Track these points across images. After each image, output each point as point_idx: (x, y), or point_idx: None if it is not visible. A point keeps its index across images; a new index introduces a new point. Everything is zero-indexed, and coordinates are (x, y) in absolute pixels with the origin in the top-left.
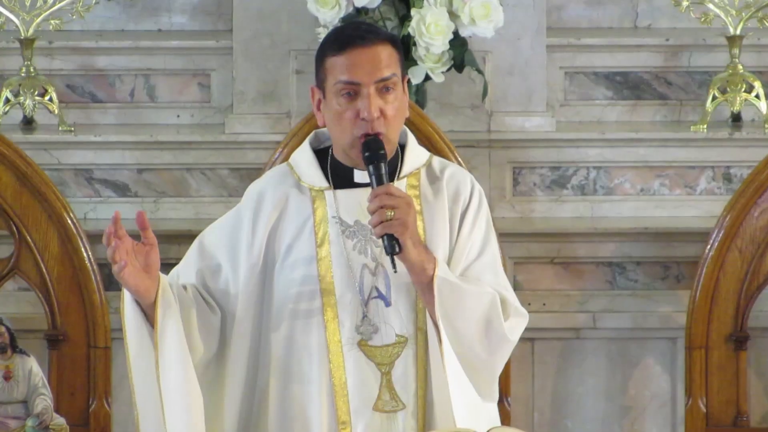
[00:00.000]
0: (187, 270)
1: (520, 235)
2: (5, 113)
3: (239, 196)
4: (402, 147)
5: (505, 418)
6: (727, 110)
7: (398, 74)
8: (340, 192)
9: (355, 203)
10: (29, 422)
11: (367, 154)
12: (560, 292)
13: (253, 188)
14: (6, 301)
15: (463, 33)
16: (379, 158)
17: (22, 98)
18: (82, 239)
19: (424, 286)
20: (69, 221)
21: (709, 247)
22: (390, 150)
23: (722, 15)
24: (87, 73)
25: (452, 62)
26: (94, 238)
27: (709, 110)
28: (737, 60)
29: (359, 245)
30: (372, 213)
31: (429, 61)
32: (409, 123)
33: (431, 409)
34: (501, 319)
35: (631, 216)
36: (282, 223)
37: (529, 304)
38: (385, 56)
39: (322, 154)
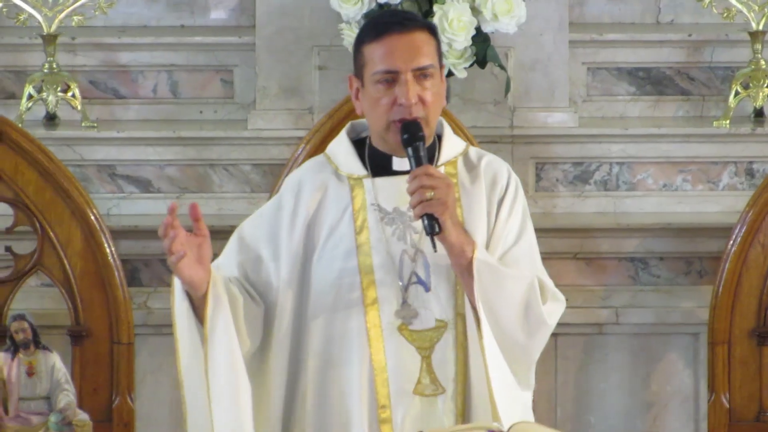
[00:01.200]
0: (227, 263)
1: (542, 230)
2: (28, 109)
3: (262, 192)
4: (439, 137)
5: None
6: (750, 105)
7: (436, 63)
8: (378, 180)
9: (393, 190)
10: (52, 418)
11: (405, 136)
12: (583, 288)
13: (292, 178)
14: (29, 297)
15: (486, 29)
16: (418, 140)
17: (45, 94)
18: (105, 235)
19: (463, 268)
20: (92, 217)
21: (731, 242)
22: (428, 136)
23: (745, 10)
24: (110, 69)
25: (475, 58)
26: (117, 233)
27: (732, 106)
28: (760, 55)
29: (398, 232)
30: (411, 193)
31: (452, 57)
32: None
33: (470, 393)
34: (539, 303)
35: (653, 211)
36: (321, 211)
37: None
38: (423, 44)
39: (359, 144)
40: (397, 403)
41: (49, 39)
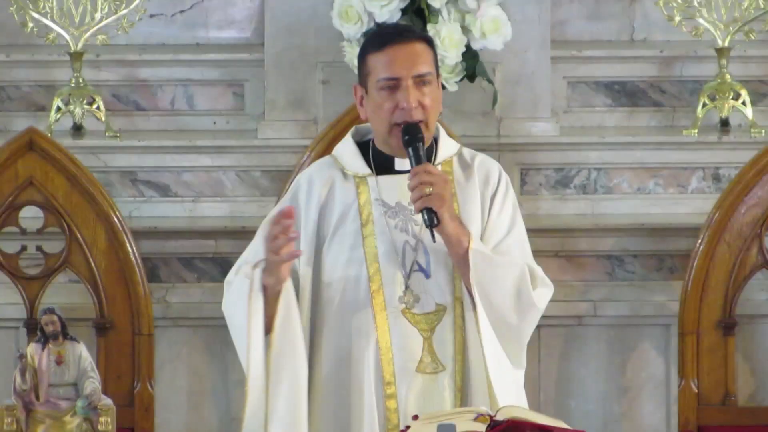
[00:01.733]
0: (254, 257)
1: (527, 230)
2: (57, 121)
3: (271, 196)
4: (435, 139)
5: None
6: (716, 116)
7: (433, 71)
8: (381, 178)
9: (395, 187)
10: (79, 403)
11: (406, 137)
12: (564, 283)
13: (303, 175)
14: (58, 292)
15: (475, 46)
16: (418, 140)
17: (72, 107)
18: (127, 235)
19: (459, 257)
20: (115, 219)
21: (699, 241)
22: (428, 137)
23: (711, 29)
24: (131, 84)
25: (465, 73)
26: (138, 234)
27: (700, 116)
28: (725, 70)
29: (401, 224)
30: (412, 189)
31: (443, 72)
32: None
33: (468, 371)
34: (530, 288)
35: (628, 213)
36: (330, 203)
37: None
38: (422, 53)
39: (363, 146)
40: (402, 380)
41: (76, 56)
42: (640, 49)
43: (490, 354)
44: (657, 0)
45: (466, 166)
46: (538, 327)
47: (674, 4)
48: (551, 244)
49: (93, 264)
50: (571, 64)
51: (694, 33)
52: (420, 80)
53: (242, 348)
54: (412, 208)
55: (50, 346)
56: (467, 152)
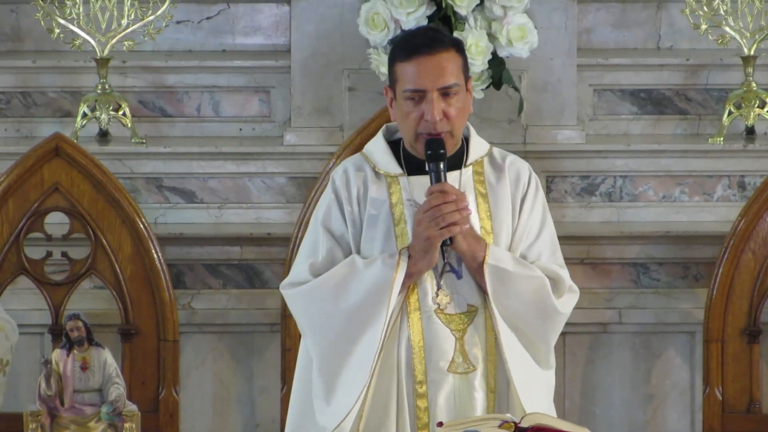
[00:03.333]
0: (324, 256)
1: None
2: (83, 127)
3: (297, 203)
4: (466, 139)
5: None
6: (742, 124)
7: (461, 81)
8: (413, 178)
9: (427, 187)
10: (104, 409)
11: (429, 152)
12: (589, 290)
13: (336, 171)
14: (83, 298)
15: (501, 53)
16: (439, 157)
17: (98, 113)
18: (152, 242)
19: (475, 271)
20: (141, 225)
21: (725, 249)
22: (454, 144)
23: (737, 37)
24: (157, 90)
25: (491, 80)
26: (164, 240)
27: (725, 124)
28: (751, 78)
29: None
30: (424, 212)
31: None
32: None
33: (501, 371)
34: (552, 299)
35: (654, 221)
36: (365, 199)
37: None
38: (449, 63)
39: (394, 145)
40: (433, 380)
41: (102, 62)
42: (666, 57)
43: (511, 359)
44: (683, 8)
45: (497, 167)
46: (563, 334)
47: (700, 13)
48: (577, 251)
49: (118, 270)
50: (597, 72)
51: (720, 41)
52: (445, 92)
53: (366, 338)
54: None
55: (75, 351)
56: (498, 152)
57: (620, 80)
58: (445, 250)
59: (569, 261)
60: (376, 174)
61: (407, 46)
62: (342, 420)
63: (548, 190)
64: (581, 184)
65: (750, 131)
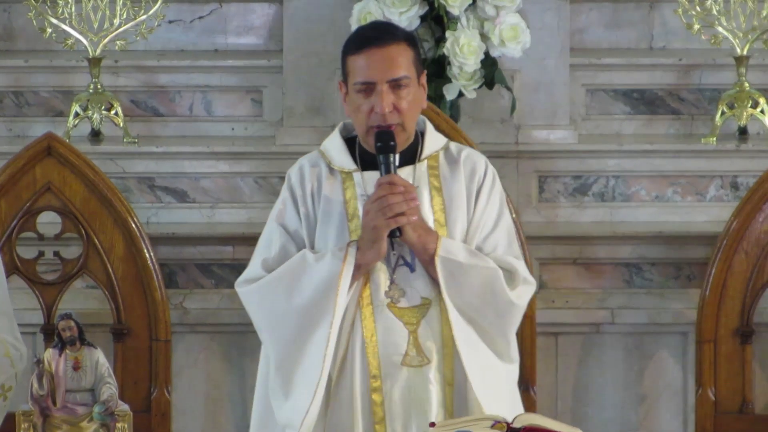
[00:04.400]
0: (276, 251)
1: (545, 238)
2: (75, 126)
3: None
4: (422, 134)
5: (531, 406)
6: (735, 124)
7: (412, 74)
8: (366, 173)
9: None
10: (96, 409)
11: (378, 144)
12: (582, 290)
13: (292, 170)
14: (75, 298)
15: (494, 53)
16: (389, 149)
17: (90, 112)
18: (145, 241)
19: (426, 263)
20: (133, 225)
21: (717, 249)
22: (406, 137)
23: (730, 37)
24: (149, 90)
25: (483, 80)
26: (156, 240)
27: (718, 124)
28: (744, 78)
29: None
30: (372, 202)
31: (462, 79)
32: (442, 135)
33: (455, 363)
34: (505, 289)
35: (646, 221)
36: (318, 196)
37: (553, 301)
38: (399, 56)
39: (350, 142)
40: (387, 374)
41: (94, 62)
42: (658, 57)
43: (465, 352)
44: (676, 8)
45: (453, 161)
46: (555, 335)
47: (693, 13)
48: (569, 251)
49: (110, 270)
50: (589, 72)
51: (712, 41)
52: (395, 84)
53: (318, 332)
54: None
55: (67, 351)
56: (454, 146)
57: (613, 80)
58: (395, 242)
59: (561, 261)
60: (331, 170)
61: (358, 39)
62: (304, 417)
63: (541, 190)
64: (574, 184)
65: (743, 131)
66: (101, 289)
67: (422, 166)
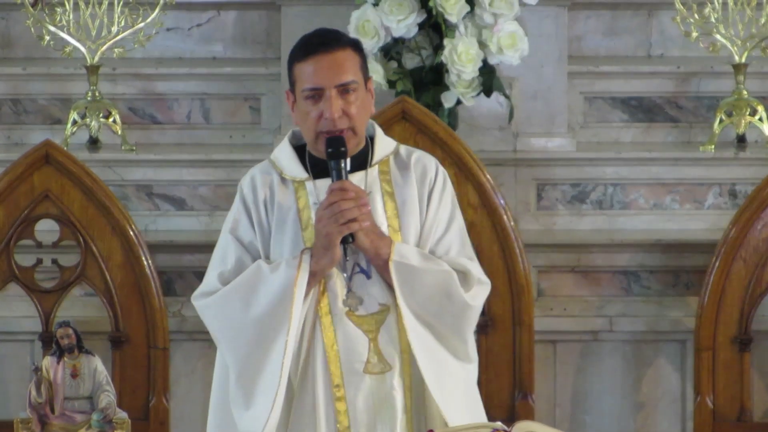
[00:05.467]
0: (233, 263)
1: (543, 245)
2: (73, 134)
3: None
4: (371, 139)
5: (529, 414)
6: (733, 132)
7: (359, 79)
8: (318, 181)
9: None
10: (94, 416)
11: (329, 150)
12: (580, 298)
13: (244, 180)
14: (73, 305)
15: (492, 61)
16: (340, 155)
17: (88, 120)
18: (143, 249)
19: (381, 268)
20: (131, 232)
21: (715, 257)
22: (357, 142)
23: (728, 45)
24: (147, 97)
25: (481, 87)
26: (154, 247)
27: (717, 132)
28: (742, 86)
29: None
30: (325, 208)
31: (460, 87)
32: (441, 142)
33: (415, 368)
34: (460, 291)
35: (644, 228)
36: (271, 206)
37: (551, 309)
38: (346, 61)
39: (300, 150)
40: (350, 382)
41: (92, 69)
42: (657, 64)
43: (421, 356)
44: (674, 16)
45: (403, 165)
46: (553, 342)
47: (691, 20)
48: (567, 259)
49: (108, 277)
50: (587, 80)
51: (711, 49)
52: (344, 89)
53: (276, 342)
54: None
55: (65, 359)
56: (404, 150)
57: (611, 88)
58: (348, 248)
59: (559, 269)
60: (283, 180)
61: (304, 46)
62: (264, 426)
63: (539, 198)
64: (572, 191)
65: (741, 139)
66: (99, 296)
67: (374, 171)
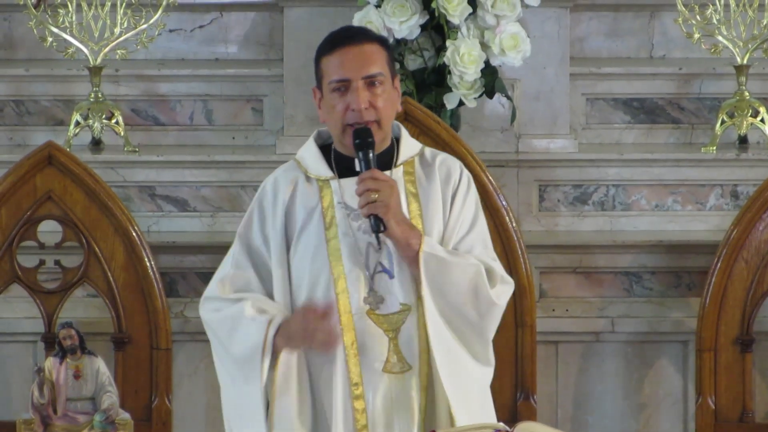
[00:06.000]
0: (244, 274)
1: (545, 246)
2: (76, 135)
3: None
4: (397, 140)
5: (531, 414)
6: (735, 133)
7: (386, 72)
8: (343, 180)
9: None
10: (97, 417)
11: (357, 141)
12: (582, 299)
13: (268, 180)
14: (76, 306)
15: (494, 62)
16: (368, 146)
17: (91, 121)
18: (145, 250)
19: (410, 260)
20: (134, 233)
21: (717, 258)
22: (383, 137)
23: (730, 46)
24: (150, 99)
25: (484, 89)
26: (157, 249)
27: (718, 133)
28: (744, 87)
29: (364, 226)
30: (359, 195)
31: (462, 88)
32: (443, 144)
33: (432, 369)
34: (487, 287)
35: (646, 230)
36: (294, 206)
37: (553, 309)
38: (373, 54)
39: (325, 149)
40: (368, 381)
41: (95, 71)
42: (658, 66)
43: (439, 354)
44: (676, 17)
45: (428, 166)
46: (555, 343)
47: (693, 22)
48: (569, 260)
49: (111, 278)
50: (589, 81)
51: (713, 50)
52: (370, 81)
53: (250, 388)
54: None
55: (68, 360)
56: (429, 152)
57: (613, 89)
58: (370, 247)
59: (561, 270)
60: (308, 179)
61: (331, 40)
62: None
63: (541, 199)
64: (574, 193)
65: (743, 140)
66: (102, 297)
67: (398, 172)
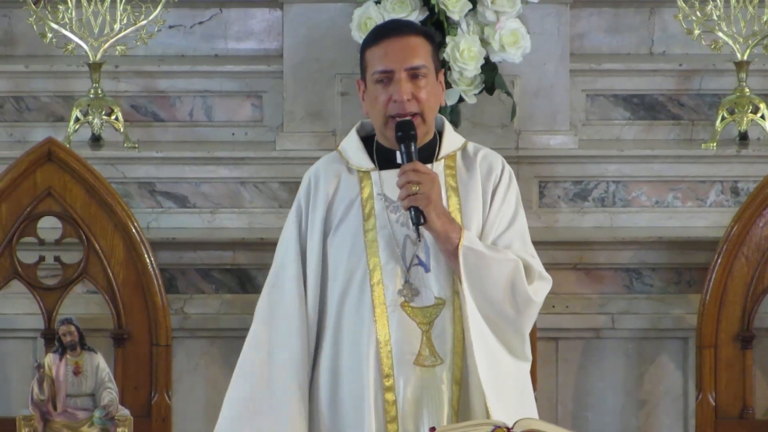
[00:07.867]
0: (290, 259)
1: (545, 243)
2: (76, 131)
3: (289, 207)
4: (440, 133)
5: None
6: (735, 130)
7: (430, 65)
8: (384, 172)
9: (396, 181)
10: (96, 413)
11: (399, 134)
12: (582, 296)
13: (311, 170)
14: (75, 303)
15: (494, 58)
16: (410, 138)
17: (90, 117)
18: (145, 246)
19: (450, 253)
20: (133, 230)
21: (718, 254)
22: (425, 131)
23: (731, 42)
24: (150, 95)
25: (484, 85)
26: (156, 245)
27: (719, 129)
28: (744, 83)
29: (402, 218)
30: (400, 187)
31: (462, 84)
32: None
33: (467, 363)
34: (525, 282)
35: (647, 226)
36: (336, 197)
37: (553, 306)
38: (417, 46)
39: (367, 141)
40: (400, 373)
41: (95, 67)
42: (659, 62)
43: (478, 349)
44: (676, 13)
45: (470, 161)
46: (555, 339)
47: (693, 18)
48: (569, 256)
49: (111, 275)
50: (589, 77)
51: (713, 46)
52: (414, 73)
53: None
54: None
55: (68, 356)
56: (472, 147)
57: (613, 85)
58: (407, 239)
59: (562, 266)
60: (349, 170)
61: (377, 32)
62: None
63: (541, 196)
64: (574, 189)
65: (743, 137)
66: (102, 294)
67: (439, 165)
